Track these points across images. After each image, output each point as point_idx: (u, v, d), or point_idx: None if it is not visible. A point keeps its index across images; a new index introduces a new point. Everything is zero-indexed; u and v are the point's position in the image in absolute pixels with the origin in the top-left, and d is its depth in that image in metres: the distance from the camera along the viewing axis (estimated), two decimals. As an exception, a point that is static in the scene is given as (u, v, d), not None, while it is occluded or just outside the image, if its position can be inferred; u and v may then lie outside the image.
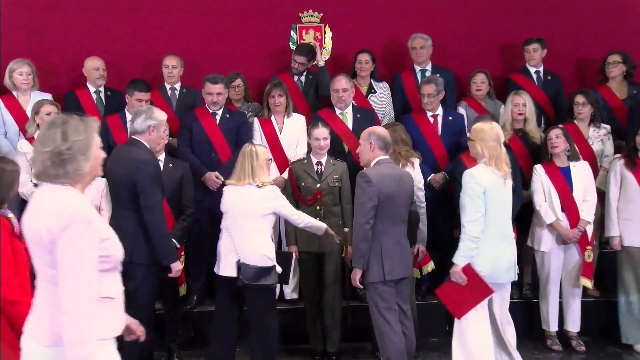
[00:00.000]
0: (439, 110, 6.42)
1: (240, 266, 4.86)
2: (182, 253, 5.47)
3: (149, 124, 4.81)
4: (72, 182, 2.87)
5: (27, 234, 2.89)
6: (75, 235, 2.73)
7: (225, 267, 4.95)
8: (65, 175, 2.84)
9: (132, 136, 4.86)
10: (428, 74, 6.95)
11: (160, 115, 4.91)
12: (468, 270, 4.59)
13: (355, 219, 4.79)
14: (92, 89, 6.69)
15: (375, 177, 4.68)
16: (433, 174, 6.20)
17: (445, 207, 6.19)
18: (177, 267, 4.90)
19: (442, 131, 6.37)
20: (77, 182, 2.88)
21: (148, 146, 4.83)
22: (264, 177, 4.96)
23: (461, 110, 6.85)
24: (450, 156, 6.26)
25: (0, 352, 3.43)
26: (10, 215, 3.72)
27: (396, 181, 4.72)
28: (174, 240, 5.08)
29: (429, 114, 6.38)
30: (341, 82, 6.28)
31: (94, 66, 6.65)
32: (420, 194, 5.60)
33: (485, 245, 4.61)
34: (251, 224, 4.91)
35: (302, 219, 5.09)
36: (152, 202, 4.68)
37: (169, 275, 4.94)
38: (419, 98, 6.47)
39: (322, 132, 5.61)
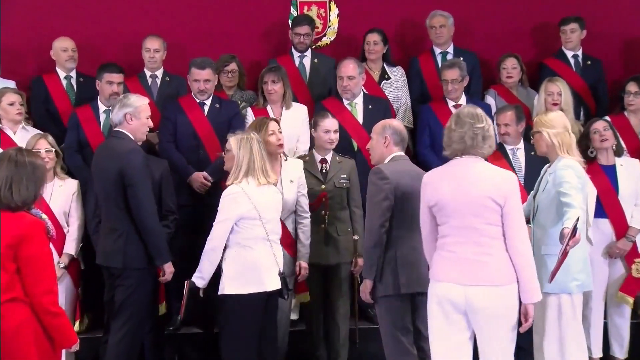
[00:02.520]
0: (462, 100, 6.30)
1: (283, 278, 4.79)
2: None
3: (124, 112, 4.85)
4: (484, 155, 4.09)
5: (466, 199, 3.95)
6: (518, 197, 4.03)
7: (271, 281, 4.75)
8: (487, 149, 4.07)
9: (114, 129, 4.92)
10: (449, 57, 6.85)
11: (137, 101, 4.92)
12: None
13: (367, 222, 4.67)
14: (61, 74, 6.55)
15: (391, 172, 4.59)
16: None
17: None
18: (170, 268, 4.92)
19: (467, 124, 6.22)
20: (485, 155, 4.10)
21: (132, 137, 4.87)
22: (276, 175, 4.89)
23: (489, 99, 6.70)
24: (477, 153, 6.12)
25: None
26: (44, 216, 3.95)
27: (415, 179, 4.60)
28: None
29: (451, 103, 6.27)
30: (347, 68, 6.11)
31: (61, 47, 6.50)
32: (305, 203, 5.43)
33: (579, 248, 4.52)
34: (280, 228, 4.87)
35: None
36: (142, 194, 4.74)
37: (161, 279, 4.97)
38: (439, 85, 6.38)
39: (332, 123, 5.47)
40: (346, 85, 6.10)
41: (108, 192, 4.81)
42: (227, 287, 4.66)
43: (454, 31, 6.94)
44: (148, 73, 6.59)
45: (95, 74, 6.27)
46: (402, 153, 4.79)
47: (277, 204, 4.82)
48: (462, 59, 6.56)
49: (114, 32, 6.98)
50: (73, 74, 6.57)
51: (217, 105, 6.05)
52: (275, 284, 4.73)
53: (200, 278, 4.72)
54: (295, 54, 6.81)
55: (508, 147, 5.79)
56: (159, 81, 6.60)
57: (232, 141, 4.77)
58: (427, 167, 5.83)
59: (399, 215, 4.58)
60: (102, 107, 6.05)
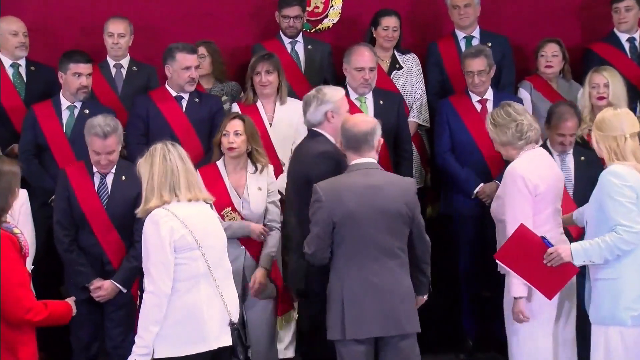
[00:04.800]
0: (489, 93, 6.20)
1: (236, 330, 4.26)
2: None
3: (324, 110, 4.86)
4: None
5: (560, 184, 4.71)
6: None
7: (218, 335, 4.22)
8: None
9: (312, 128, 5.00)
10: (475, 42, 6.72)
11: (335, 95, 4.95)
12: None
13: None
14: (6, 62, 6.33)
15: (328, 191, 4.48)
16: (482, 184, 6.03)
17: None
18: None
19: (494, 122, 5.96)
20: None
21: (331, 138, 4.89)
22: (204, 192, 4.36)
23: (524, 93, 6.53)
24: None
25: None
26: (17, 230, 3.92)
27: (362, 195, 4.49)
28: (117, 284, 5.15)
29: (475, 98, 6.18)
30: (365, 57, 5.94)
31: (10, 30, 6.28)
32: (275, 212, 5.36)
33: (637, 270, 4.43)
34: (228, 262, 4.38)
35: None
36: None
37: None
38: (463, 75, 6.30)
39: None
40: (368, 78, 5.95)
41: (290, 200, 4.97)
42: (158, 348, 4.12)
43: (481, 11, 6.78)
44: (111, 62, 6.46)
45: (48, 61, 6.24)
46: (366, 160, 4.59)
47: (220, 229, 4.34)
48: (489, 44, 6.44)
49: (71, 12, 6.84)
50: (22, 62, 6.38)
51: (197, 100, 5.96)
52: (224, 339, 4.20)
53: (145, 355, 4.15)
54: (286, 40, 6.71)
55: (555, 152, 5.67)
56: (124, 72, 6.49)
57: (138, 163, 4.27)
58: (448, 175, 6.20)
59: (343, 241, 4.47)
60: (65, 103, 5.89)
